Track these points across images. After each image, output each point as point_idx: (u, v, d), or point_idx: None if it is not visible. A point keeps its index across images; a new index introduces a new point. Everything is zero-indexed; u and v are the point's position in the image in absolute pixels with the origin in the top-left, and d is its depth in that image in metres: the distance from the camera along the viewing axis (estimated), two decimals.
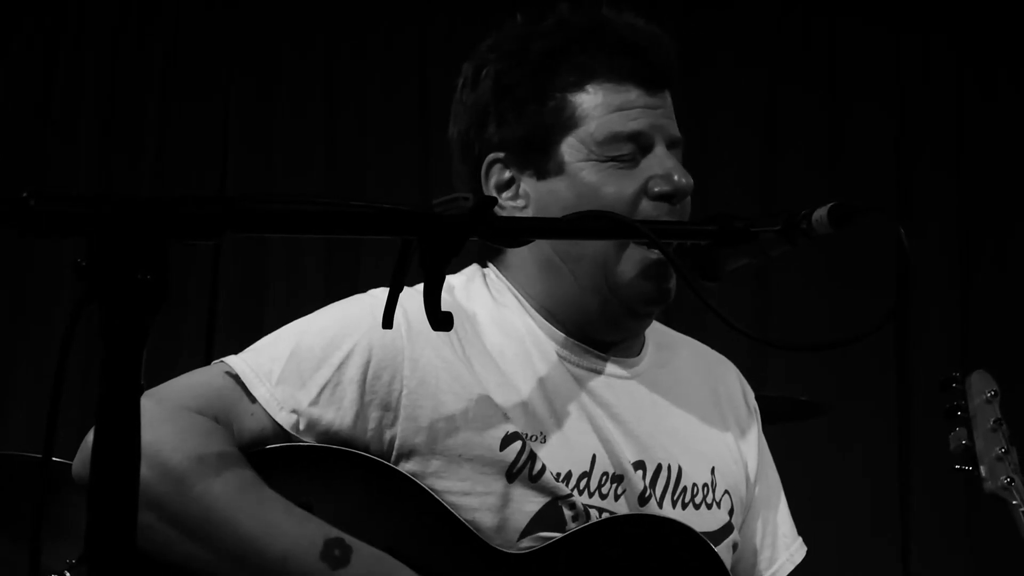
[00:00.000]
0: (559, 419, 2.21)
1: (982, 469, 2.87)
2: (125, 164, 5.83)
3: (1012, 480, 2.84)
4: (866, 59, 6.03)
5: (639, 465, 2.26)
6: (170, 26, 5.92)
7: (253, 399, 2.11)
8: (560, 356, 2.27)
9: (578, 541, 2.13)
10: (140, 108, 5.87)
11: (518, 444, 2.14)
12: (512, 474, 2.14)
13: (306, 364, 2.13)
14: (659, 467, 2.28)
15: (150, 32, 5.91)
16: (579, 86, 2.26)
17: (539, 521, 2.15)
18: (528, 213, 2.25)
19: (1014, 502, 2.82)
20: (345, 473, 2.10)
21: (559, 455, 2.18)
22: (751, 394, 2.60)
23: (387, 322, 1.71)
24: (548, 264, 2.27)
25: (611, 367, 2.31)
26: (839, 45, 6.02)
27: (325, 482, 2.07)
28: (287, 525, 2.00)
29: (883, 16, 6.03)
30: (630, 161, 2.22)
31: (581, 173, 2.22)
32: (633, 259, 2.21)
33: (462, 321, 2.20)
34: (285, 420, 2.10)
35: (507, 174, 2.28)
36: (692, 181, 2.23)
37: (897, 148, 5.97)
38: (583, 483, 2.19)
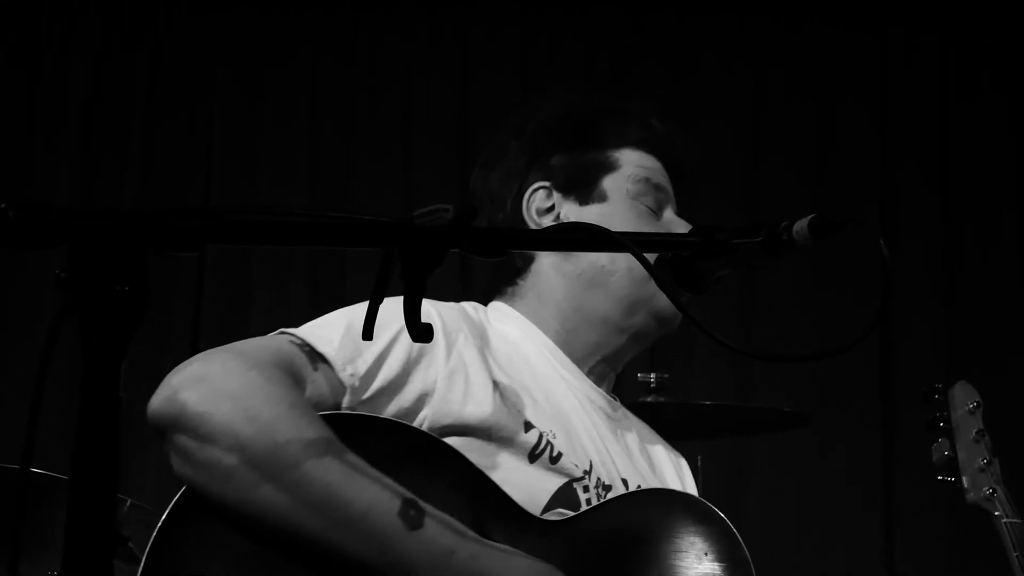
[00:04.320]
0: (565, 425, 2.43)
1: (964, 480, 2.87)
2: (109, 175, 5.82)
3: (994, 491, 2.84)
4: (850, 66, 6.04)
5: (625, 483, 2.46)
6: (154, 37, 5.92)
7: (315, 365, 2.20)
8: (564, 379, 2.54)
9: (608, 509, 2.29)
10: (124, 119, 5.87)
11: (537, 431, 2.35)
12: (533, 456, 2.32)
13: (359, 336, 2.15)
14: (639, 487, 2.49)
15: (135, 43, 5.91)
16: (618, 145, 2.63)
17: (557, 500, 2.31)
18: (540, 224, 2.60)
19: (996, 513, 2.83)
20: (394, 442, 2.18)
21: (567, 451, 2.38)
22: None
23: (367, 333, 1.71)
24: (580, 281, 2.57)
25: (605, 400, 2.60)
26: (824, 53, 6.03)
27: (375, 449, 2.11)
28: (370, 481, 2.03)
29: (866, 22, 6.04)
30: (654, 211, 2.60)
31: (620, 205, 2.58)
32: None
33: (480, 332, 2.44)
34: (347, 380, 2.20)
35: (549, 201, 2.62)
36: None
37: (881, 155, 5.98)
38: (587, 476, 2.39)
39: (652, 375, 4.21)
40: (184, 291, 5.67)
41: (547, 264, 2.60)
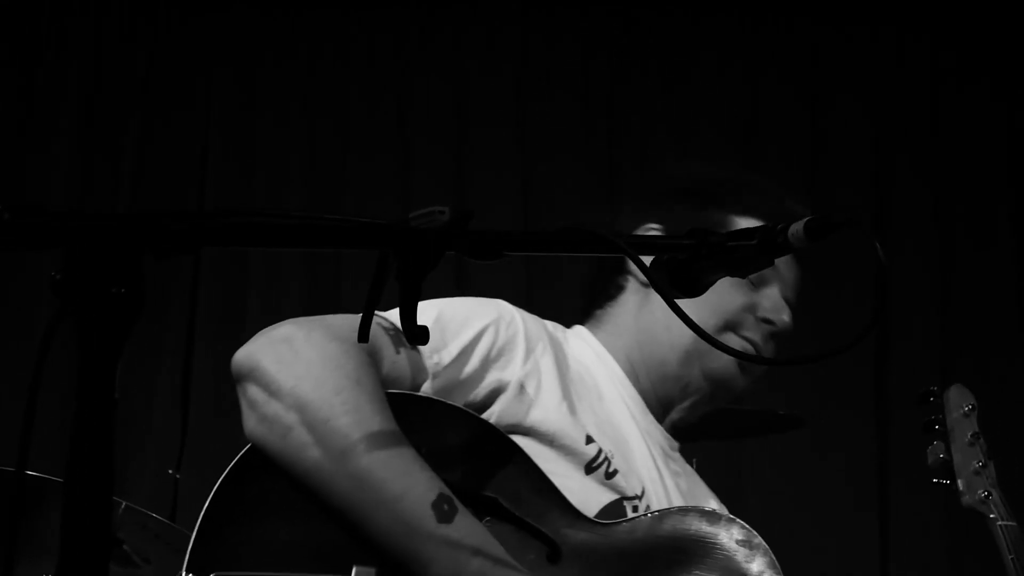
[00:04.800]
0: (623, 449, 2.51)
1: (960, 483, 2.87)
2: (104, 176, 5.82)
3: (989, 494, 2.84)
4: (844, 67, 6.04)
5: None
6: (150, 38, 5.92)
7: (398, 349, 2.29)
8: (628, 408, 2.62)
9: (660, 519, 2.36)
10: (120, 120, 5.87)
11: (596, 446, 2.43)
12: (590, 468, 2.41)
13: (448, 328, 2.37)
14: None
15: (131, 44, 5.91)
16: (740, 212, 2.63)
17: (606, 513, 2.38)
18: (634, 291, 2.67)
19: (991, 515, 2.82)
20: (462, 431, 2.28)
21: (630, 474, 2.47)
22: None
23: (363, 336, 1.71)
24: (650, 320, 2.65)
25: (663, 437, 2.67)
26: (818, 54, 6.03)
27: (439, 432, 2.24)
28: (413, 468, 2.11)
29: (859, 22, 6.04)
30: (754, 284, 2.63)
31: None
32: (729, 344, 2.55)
33: (557, 348, 2.53)
34: (430, 367, 2.32)
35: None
36: (791, 321, 2.66)
37: (875, 156, 5.99)
38: (636, 502, 2.46)
39: None
40: (179, 294, 5.67)
41: (631, 299, 2.70)
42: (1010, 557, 2.75)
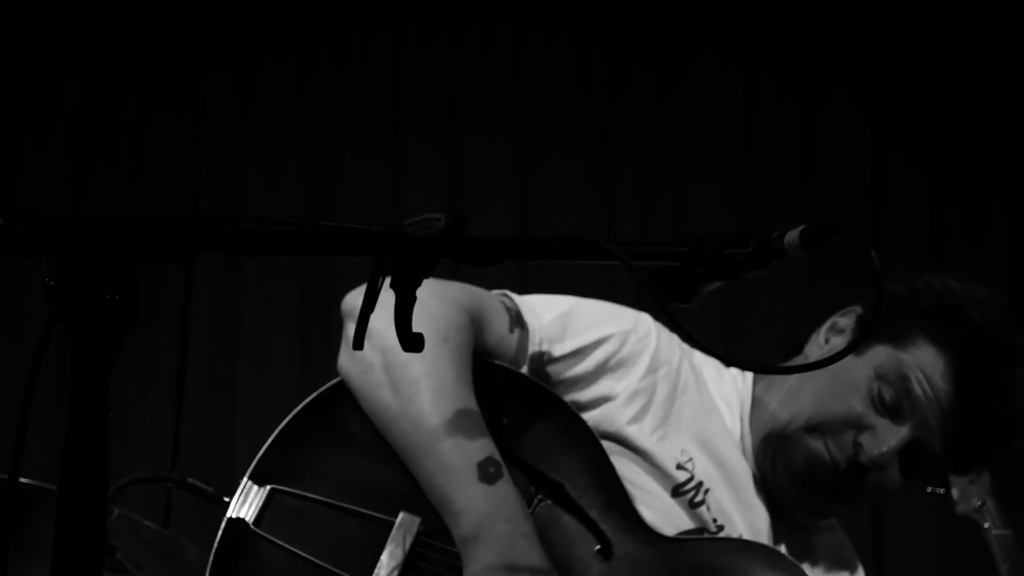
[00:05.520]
0: (730, 491, 2.46)
1: (954, 492, 2.88)
2: (99, 181, 5.81)
3: (984, 503, 2.84)
4: (840, 67, 6.04)
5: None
6: (145, 42, 5.91)
7: (513, 329, 2.39)
8: (752, 472, 2.52)
9: (717, 545, 2.37)
10: (114, 124, 5.86)
11: (687, 475, 2.41)
12: (676, 492, 2.40)
13: (573, 326, 2.42)
14: None
15: (125, 47, 5.90)
16: (929, 333, 2.43)
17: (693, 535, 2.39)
18: (817, 354, 2.51)
19: (986, 524, 2.83)
20: (550, 414, 2.33)
21: (720, 509, 2.43)
22: None
23: (358, 343, 1.71)
24: (787, 395, 2.52)
25: (789, 514, 2.55)
26: (814, 54, 6.03)
27: (529, 412, 2.32)
28: (470, 426, 2.21)
29: (857, 22, 6.04)
30: (884, 406, 2.41)
31: (861, 371, 2.43)
32: (807, 446, 2.46)
33: (695, 378, 2.52)
34: (534, 352, 2.37)
35: (847, 324, 2.53)
36: (884, 472, 2.43)
37: (871, 156, 5.99)
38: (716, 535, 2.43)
39: None
40: (172, 301, 5.66)
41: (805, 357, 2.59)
42: (1004, 566, 2.76)
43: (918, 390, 2.41)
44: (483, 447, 2.19)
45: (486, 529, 2.12)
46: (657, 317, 2.48)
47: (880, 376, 2.41)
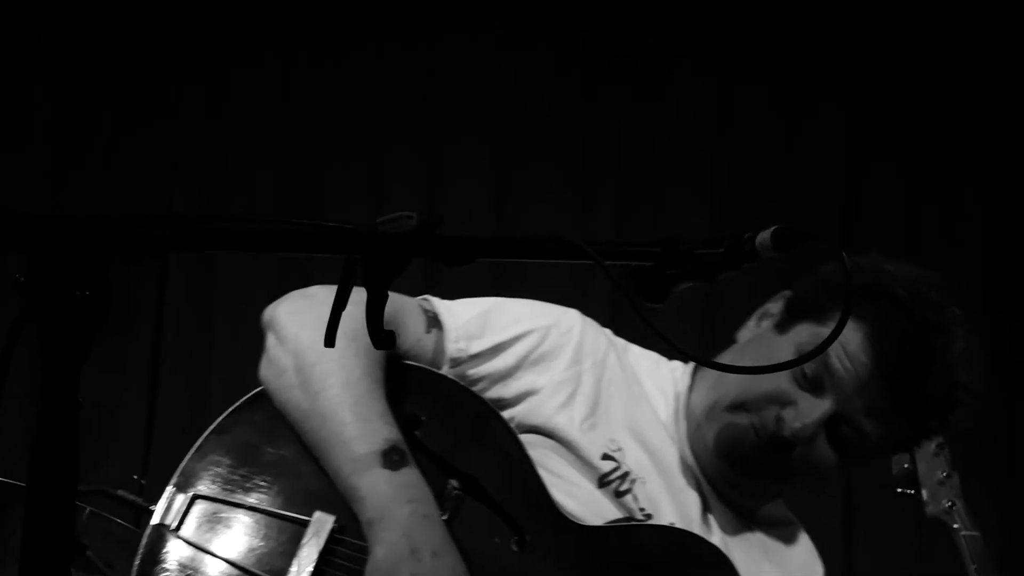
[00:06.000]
0: (663, 481, 2.51)
1: (924, 493, 2.88)
2: (74, 183, 5.79)
3: (953, 504, 2.85)
4: (820, 72, 6.05)
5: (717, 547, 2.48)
6: (123, 44, 5.89)
7: (429, 330, 2.47)
8: (685, 457, 2.57)
9: (643, 532, 2.42)
10: (90, 126, 5.85)
11: (614, 464, 2.46)
12: (602, 482, 2.45)
13: (492, 323, 2.50)
14: None
15: (102, 50, 5.89)
16: (852, 318, 2.38)
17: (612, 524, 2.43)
18: (745, 337, 2.63)
19: (955, 526, 2.84)
20: (467, 409, 2.41)
21: (650, 498, 2.47)
22: None
23: (329, 340, 1.71)
24: (717, 380, 2.57)
25: (717, 498, 2.59)
26: (791, 56, 6.04)
27: (447, 409, 2.40)
28: (375, 417, 2.29)
29: (833, 23, 6.06)
30: (806, 380, 2.44)
31: (783, 348, 2.47)
32: (732, 423, 2.51)
33: (625, 371, 2.57)
34: (452, 351, 2.45)
35: (776, 309, 2.62)
36: (808, 445, 2.47)
37: (847, 161, 6.01)
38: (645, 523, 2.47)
39: None
40: (146, 301, 5.64)
41: (728, 354, 2.63)
42: (973, 567, 2.77)
43: (837, 364, 2.42)
44: (388, 436, 2.26)
45: (390, 511, 2.20)
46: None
47: (799, 352, 2.43)
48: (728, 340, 2.68)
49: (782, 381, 2.46)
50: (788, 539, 2.72)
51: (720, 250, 1.87)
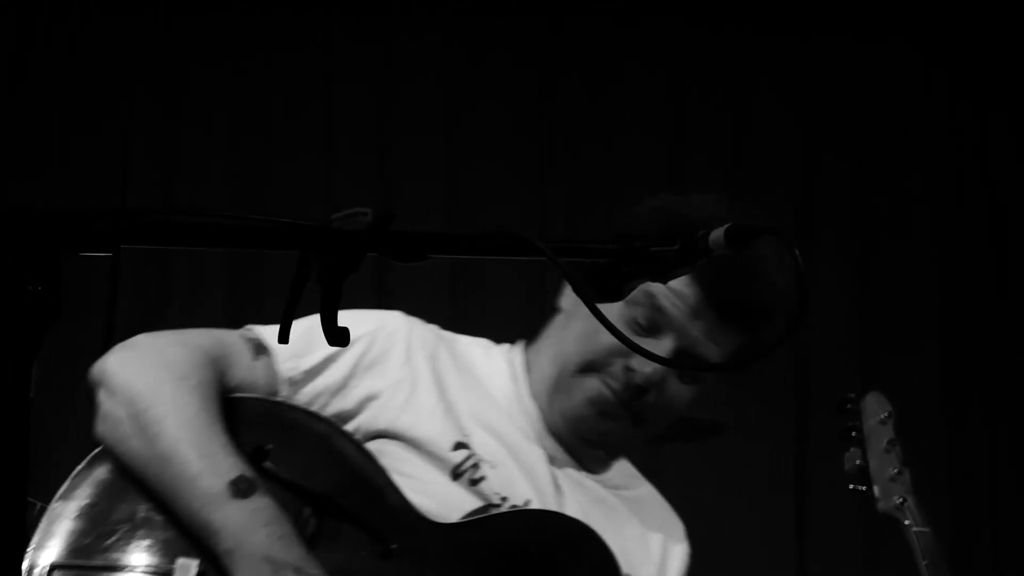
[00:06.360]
0: (512, 461, 2.52)
1: (876, 489, 2.90)
2: (23, 177, 5.75)
3: (905, 500, 2.87)
4: (772, 68, 6.07)
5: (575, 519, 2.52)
6: (72, 37, 5.86)
7: (257, 356, 2.46)
8: (535, 430, 2.60)
9: (501, 521, 2.43)
10: (40, 119, 5.81)
11: (465, 452, 2.48)
12: (456, 474, 2.47)
13: (317, 339, 2.39)
14: None
15: (52, 43, 5.85)
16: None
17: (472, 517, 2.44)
18: (567, 304, 2.63)
19: (906, 522, 2.85)
20: (311, 430, 2.41)
21: (503, 481, 2.49)
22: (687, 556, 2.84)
23: (283, 337, 1.70)
24: (552, 350, 2.61)
25: (570, 465, 2.63)
26: (743, 52, 6.06)
27: (291, 435, 2.39)
28: (217, 450, 2.27)
29: (784, 23, 6.08)
30: (642, 327, 2.50)
31: (605, 304, 2.38)
32: (586, 388, 2.55)
33: (456, 360, 2.60)
34: (285, 372, 2.46)
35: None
36: (659, 389, 2.53)
37: (801, 157, 6.03)
38: (502, 507, 2.48)
39: None
40: (98, 297, 5.61)
41: (558, 319, 2.67)
42: (924, 563, 2.78)
43: (665, 303, 2.49)
44: (232, 467, 2.25)
45: (247, 538, 2.19)
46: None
47: (629, 302, 2.45)
48: None
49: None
50: (645, 498, 2.77)
51: (675, 247, 1.88)
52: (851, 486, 2.95)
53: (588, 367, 2.54)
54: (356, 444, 2.42)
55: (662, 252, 1.90)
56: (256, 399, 2.42)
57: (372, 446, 2.45)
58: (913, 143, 6.06)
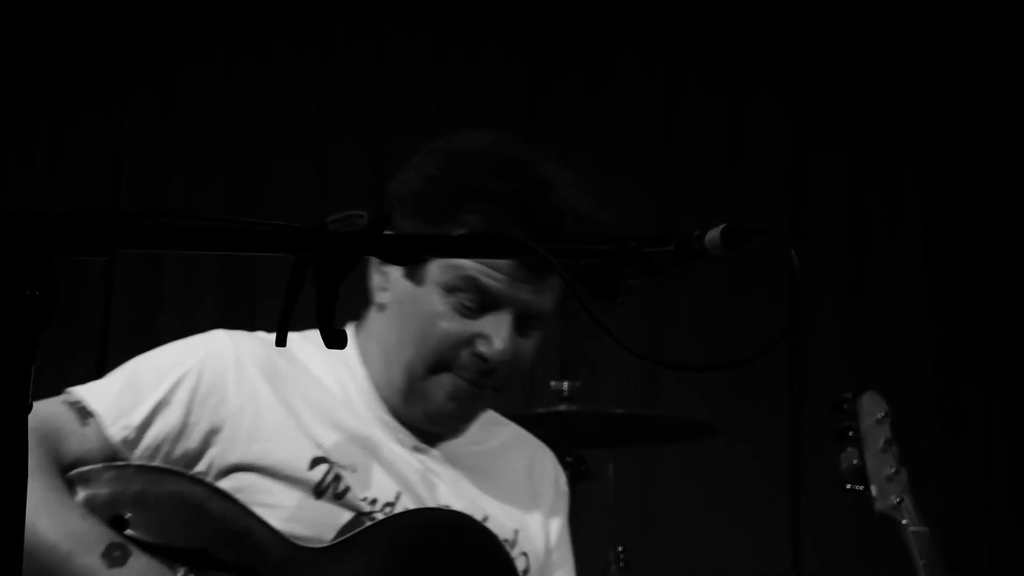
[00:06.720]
0: (371, 458, 2.45)
1: (872, 489, 2.90)
2: (16, 180, 5.75)
3: (902, 500, 2.87)
4: (764, 67, 6.08)
5: (444, 508, 2.48)
6: (67, 38, 5.86)
7: (85, 421, 2.33)
8: (380, 419, 2.51)
9: (373, 533, 2.36)
10: (33, 122, 5.81)
11: (325, 467, 2.39)
12: (320, 491, 2.38)
13: (142, 387, 2.38)
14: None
15: (46, 44, 5.85)
16: (461, 227, 2.36)
17: (347, 531, 2.37)
18: (386, 300, 2.49)
19: (904, 521, 2.85)
20: (163, 489, 2.31)
21: (367, 483, 2.42)
22: (563, 479, 2.77)
23: (281, 340, 1.70)
24: (384, 349, 2.50)
25: (423, 442, 2.54)
26: (736, 52, 6.07)
27: (145, 497, 2.29)
28: (76, 527, 2.19)
29: (778, 24, 6.09)
30: (473, 310, 2.40)
31: (431, 296, 2.41)
32: (442, 386, 2.45)
33: (292, 364, 2.48)
34: (116, 434, 2.33)
35: (384, 265, 2.45)
36: (513, 358, 2.43)
37: (791, 155, 6.04)
38: (387, 510, 2.42)
39: (565, 384, 4.21)
40: (92, 300, 5.61)
41: (382, 302, 2.52)
42: (921, 563, 2.78)
43: (486, 280, 2.40)
44: (100, 537, 2.19)
45: None
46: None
47: (448, 290, 2.40)
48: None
49: (453, 325, 2.41)
50: (510, 441, 2.70)
51: (669, 248, 1.87)
52: (848, 486, 2.95)
53: (437, 367, 2.44)
54: (211, 488, 2.33)
55: (656, 252, 1.90)
56: (99, 468, 2.30)
57: (229, 482, 2.37)
58: (905, 143, 6.08)
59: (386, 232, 1.68)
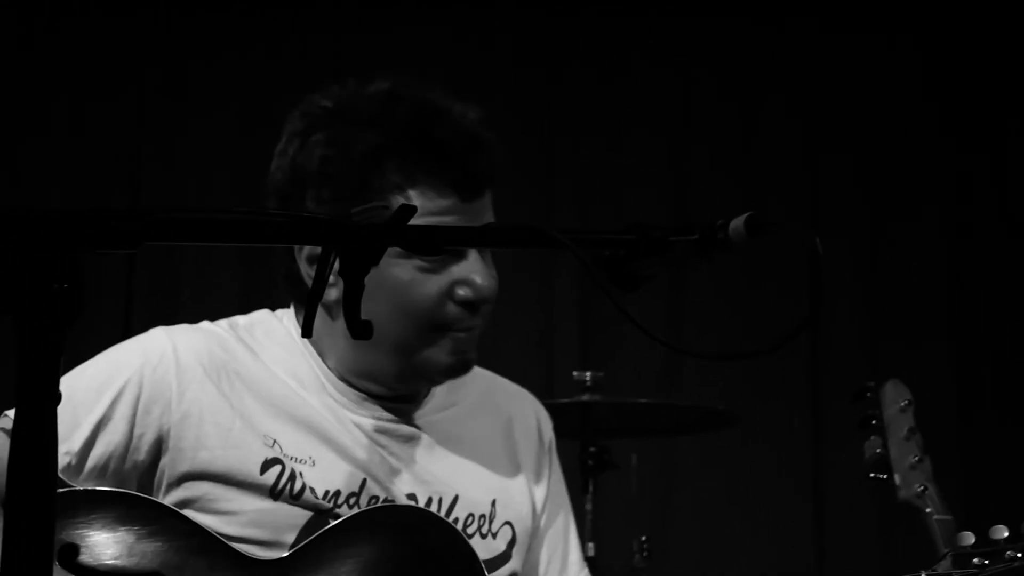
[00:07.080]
0: (330, 448, 2.35)
1: (896, 478, 2.88)
2: (34, 175, 5.77)
3: (925, 488, 2.86)
4: (779, 62, 6.08)
5: (411, 497, 2.40)
6: (81, 35, 5.87)
7: None
8: (337, 401, 2.40)
9: (330, 540, 2.29)
10: (50, 118, 5.83)
11: (278, 468, 2.31)
12: (275, 494, 2.30)
13: (80, 407, 2.28)
14: (430, 499, 2.42)
15: (60, 41, 5.86)
16: (401, 189, 2.28)
17: (307, 532, 2.30)
18: (337, 294, 2.29)
19: (927, 510, 2.84)
20: (112, 512, 2.23)
21: (328, 477, 2.33)
22: (548, 426, 2.66)
23: (307, 331, 1.70)
24: (385, 356, 2.37)
25: (388, 415, 2.43)
26: (750, 49, 6.06)
27: (94, 523, 2.21)
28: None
29: (791, 18, 6.08)
30: (438, 262, 2.29)
31: (392, 269, 2.28)
32: (443, 348, 2.35)
33: (236, 358, 2.37)
34: (61, 459, 2.14)
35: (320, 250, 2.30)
36: (496, 284, 2.36)
37: (805, 148, 6.04)
38: (351, 501, 2.34)
39: (588, 374, 4.20)
40: (112, 294, 5.62)
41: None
42: (946, 551, 2.78)
43: (445, 222, 2.30)
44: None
45: None
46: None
47: (406, 255, 2.28)
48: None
49: (427, 284, 2.31)
50: (480, 394, 2.58)
51: (694, 237, 1.87)
52: (871, 475, 2.94)
53: (429, 332, 2.33)
54: (161, 508, 2.27)
55: (680, 241, 1.90)
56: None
57: (184, 491, 2.30)
58: (920, 136, 6.06)
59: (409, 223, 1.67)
